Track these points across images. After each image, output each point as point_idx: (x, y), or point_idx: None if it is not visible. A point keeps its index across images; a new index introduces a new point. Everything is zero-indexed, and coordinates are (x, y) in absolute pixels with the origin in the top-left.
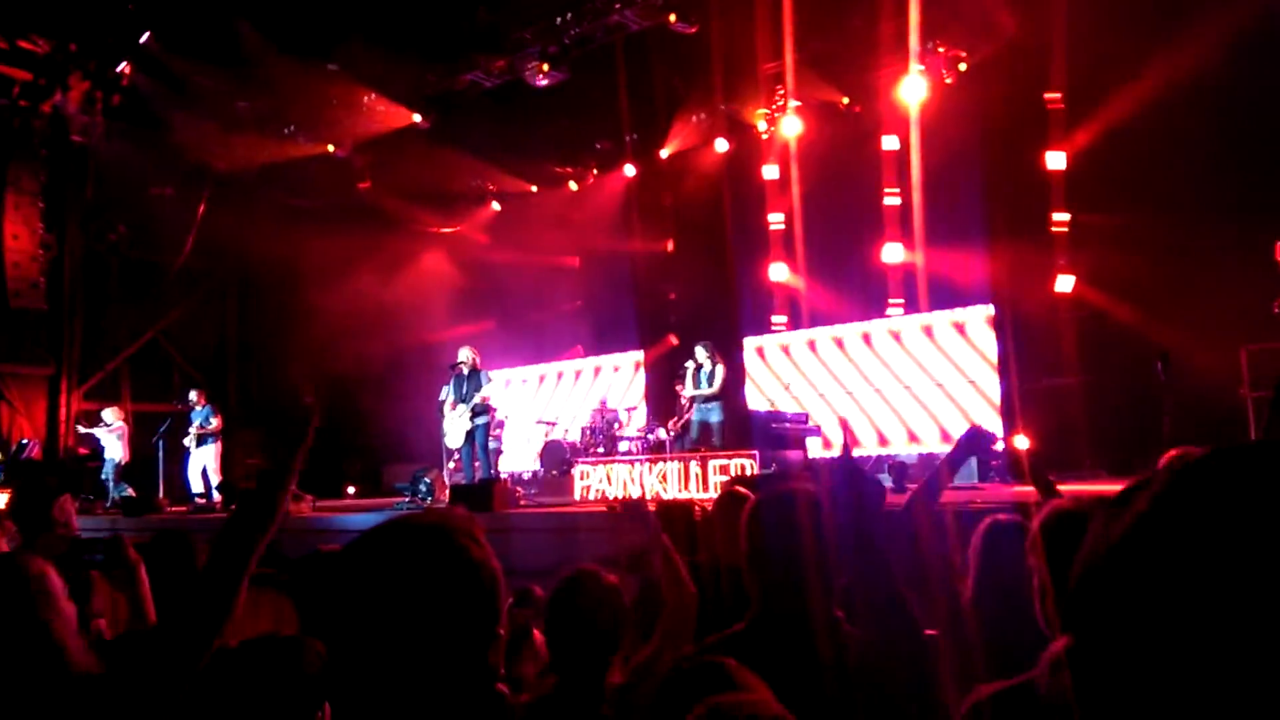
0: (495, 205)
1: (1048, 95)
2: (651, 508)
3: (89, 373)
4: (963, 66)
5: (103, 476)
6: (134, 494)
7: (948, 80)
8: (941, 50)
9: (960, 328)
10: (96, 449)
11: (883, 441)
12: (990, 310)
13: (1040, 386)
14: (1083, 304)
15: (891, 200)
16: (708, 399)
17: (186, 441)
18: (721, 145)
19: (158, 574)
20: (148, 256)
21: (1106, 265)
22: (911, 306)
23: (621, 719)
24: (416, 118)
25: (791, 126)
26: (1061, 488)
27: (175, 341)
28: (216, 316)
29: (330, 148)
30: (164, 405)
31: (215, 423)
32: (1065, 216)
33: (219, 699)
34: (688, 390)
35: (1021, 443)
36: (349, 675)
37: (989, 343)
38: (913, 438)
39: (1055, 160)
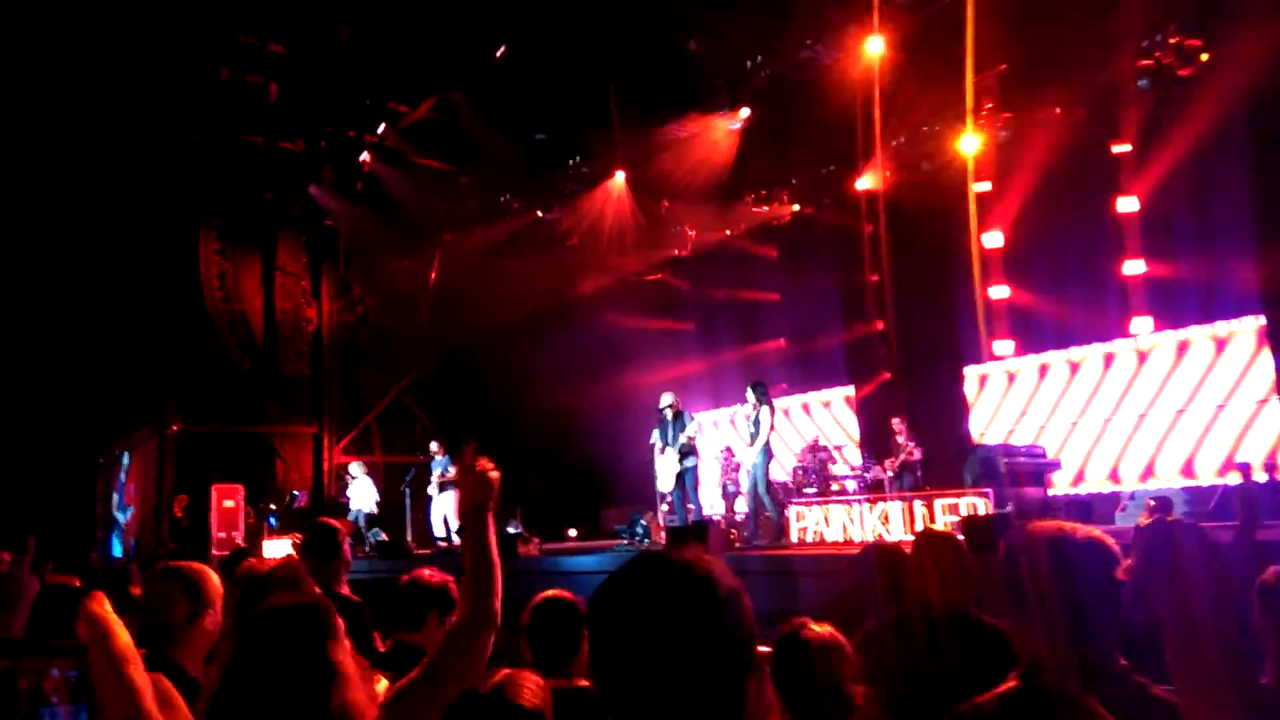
0: (693, 249)
1: None
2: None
3: (345, 430)
4: (1204, 57)
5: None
6: (386, 539)
7: (1182, 73)
8: (1174, 41)
9: (1222, 343)
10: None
11: (1147, 474)
12: (1260, 321)
13: None
14: None
15: (1128, 208)
16: (752, 441)
17: (430, 489)
18: (926, 167)
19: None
20: (390, 323)
21: None
22: (1160, 322)
23: None
24: (619, 175)
25: (1001, 140)
26: None
27: (417, 398)
28: (451, 373)
29: (539, 213)
30: (409, 457)
31: (454, 471)
32: None
33: None
34: (740, 435)
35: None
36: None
37: (1261, 359)
38: (1188, 470)
39: None
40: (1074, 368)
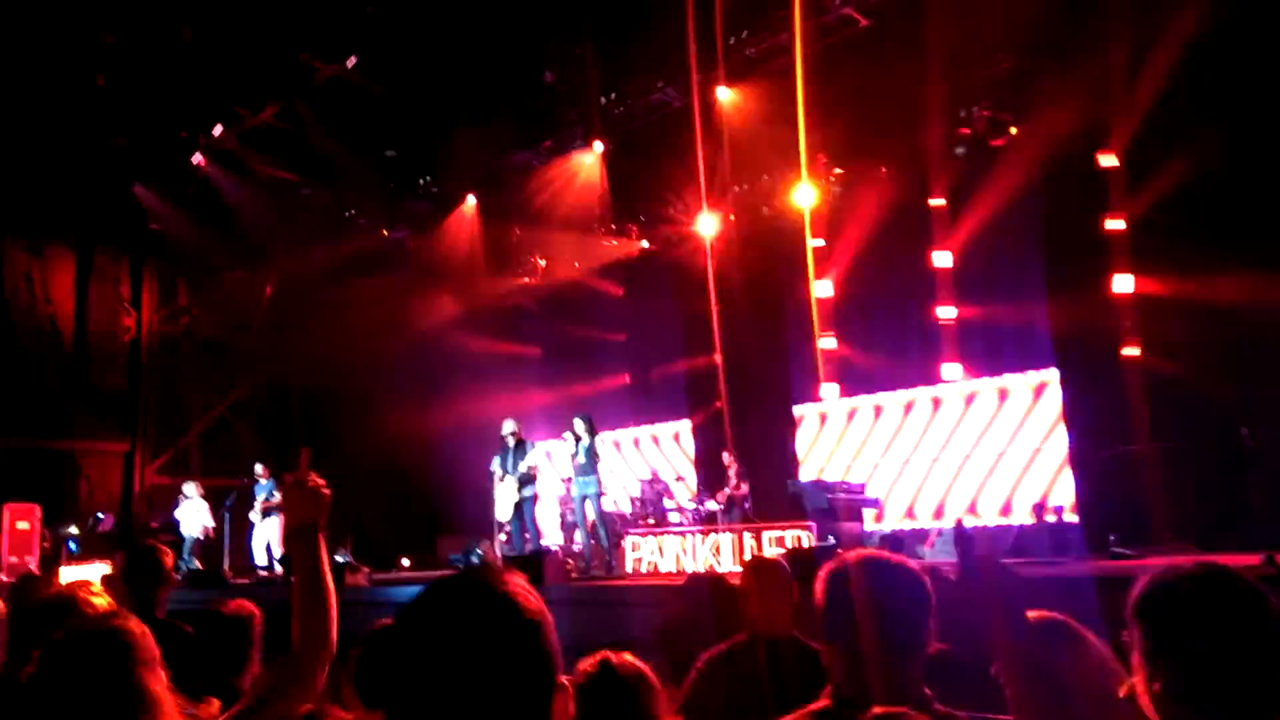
0: (540, 278)
1: (1100, 156)
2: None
3: (161, 448)
4: (1012, 130)
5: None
6: (201, 566)
7: (993, 143)
8: (986, 114)
9: (1021, 393)
10: (171, 523)
11: (938, 514)
12: (1054, 374)
13: (1110, 454)
14: (1152, 369)
15: (942, 260)
16: (583, 473)
17: (252, 515)
18: (764, 213)
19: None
20: (218, 337)
21: (1175, 329)
22: (970, 369)
23: None
24: (470, 200)
25: (833, 193)
26: (1144, 562)
27: (243, 417)
28: (282, 393)
29: (385, 232)
30: (231, 479)
31: (279, 496)
32: (1128, 279)
33: None
34: (567, 465)
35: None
36: None
37: (1054, 408)
38: (970, 510)
39: (1113, 222)
40: (891, 411)
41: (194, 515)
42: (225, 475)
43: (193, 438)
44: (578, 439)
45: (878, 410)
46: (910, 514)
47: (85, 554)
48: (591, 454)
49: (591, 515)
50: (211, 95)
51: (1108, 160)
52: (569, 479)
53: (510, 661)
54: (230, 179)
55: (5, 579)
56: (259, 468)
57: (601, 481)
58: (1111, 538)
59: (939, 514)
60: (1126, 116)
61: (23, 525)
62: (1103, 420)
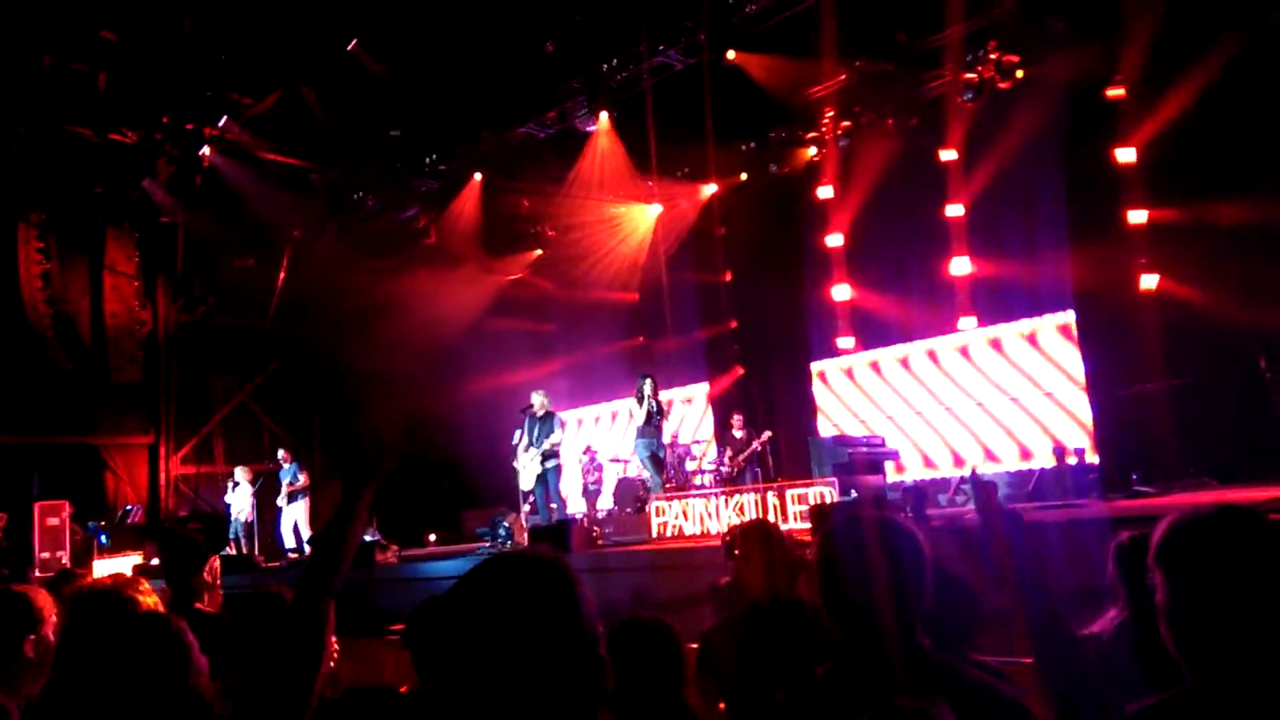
0: (552, 249)
1: (1109, 90)
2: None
3: (184, 438)
4: (1019, 74)
5: (230, 535)
6: (232, 552)
7: (1002, 86)
8: (993, 57)
9: (1037, 337)
10: (197, 510)
11: (958, 462)
12: (1070, 316)
13: (1129, 393)
14: (1169, 303)
15: (955, 212)
16: (644, 434)
17: (279, 500)
18: (772, 170)
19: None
20: (234, 323)
21: (1191, 260)
22: (985, 319)
23: None
24: (476, 176)
25: (842, 148)
26: (1166, 500)
27: (263, 403)
28: (300, 376)
29: (394, 212)
30: (256, 465)
31: (303, 479)
32: (1143, 213)
33: None
34: (635, 423)
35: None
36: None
37: (1070, 351)
38: (990, 456)
39: (1125, 155)
40: (910, 361)
41: (244, 500)
42: (249, 461)
43: (214, 426)
44: (641, 399)
45: (901, 362)
46: (930, 463)
47: (116, 547)
48: (659, 413)
49: (648, 473)
50: (215, 86)
51: (1115, 93)
52: (589, 448)
53: (554, 615)
54: (237, 168)
55: (40, 575)
56: (281, 453)
57: (656, 442)
58: (1133, 476)
59: (959, 462)
60: (1132, 46)
61: (53, 521)
62: (1120, 359)
